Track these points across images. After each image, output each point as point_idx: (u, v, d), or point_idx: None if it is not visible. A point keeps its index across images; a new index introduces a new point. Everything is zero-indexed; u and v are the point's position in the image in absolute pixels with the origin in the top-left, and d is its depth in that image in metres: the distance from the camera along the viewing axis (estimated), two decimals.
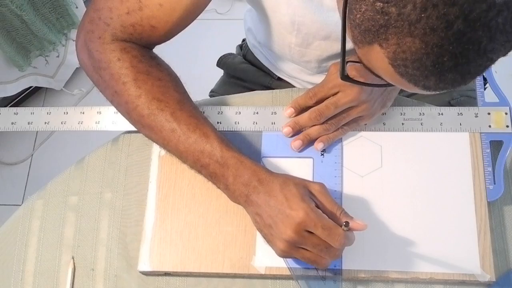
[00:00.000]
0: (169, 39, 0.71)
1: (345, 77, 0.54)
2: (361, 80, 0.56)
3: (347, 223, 0.60)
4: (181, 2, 0.65)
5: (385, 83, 0.53)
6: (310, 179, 0.72)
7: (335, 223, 0.61)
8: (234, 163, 0.65)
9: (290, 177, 0.65)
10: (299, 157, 0.73)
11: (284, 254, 0.63)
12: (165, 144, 0.68)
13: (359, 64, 0.53)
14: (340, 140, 0.74)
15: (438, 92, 0.48)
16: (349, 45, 0.52)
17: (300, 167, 0.72)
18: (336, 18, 0.69)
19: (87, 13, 0.70)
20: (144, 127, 0.69)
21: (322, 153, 0.73)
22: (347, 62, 0.54)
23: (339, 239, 0.60)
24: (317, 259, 0.62)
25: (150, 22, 0.67)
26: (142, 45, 0.70)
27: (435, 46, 0.42)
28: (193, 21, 0.70)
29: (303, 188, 0.63)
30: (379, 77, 0.52)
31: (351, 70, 0.55)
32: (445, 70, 0.44)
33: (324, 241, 0.61)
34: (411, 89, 0.49)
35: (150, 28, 0.67)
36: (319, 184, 0.65)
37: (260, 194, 0.63)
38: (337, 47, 0.74)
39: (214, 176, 0.66)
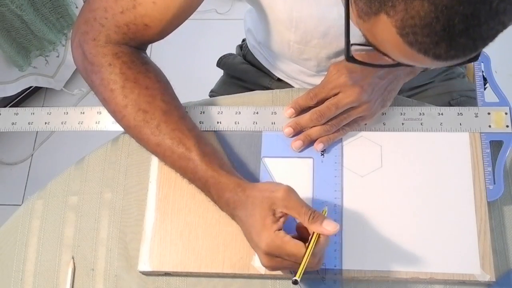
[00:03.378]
0: (162, 38, 0.71)
1: (350, 58, 0.52)
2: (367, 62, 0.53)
3: (295, 281, 0.56)
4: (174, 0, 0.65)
5: (392, 63, 0.51)
6: (310, 179, 0.72)
7: (298, 244, 0.58)
8: (213, 183, 0.65)
9: (259, 193, 0.62)
10: (299, 157, 0.73)
11: (270, 270, 0.64)
12: (153, 154, 0.70)
13: (363, 47, 0.51)
14: (340, 140, 0.74)
15: (449, 64, 0.46)
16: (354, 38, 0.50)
17: (300, 167, 0.72)
18: (334, 15, 0.69)
19: (82, 14, 0.69)
20: (132, 137, 0.70)
21: (322, 153, 0.73)
22: (351, 44, 0.52)
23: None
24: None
25: (144, 21, 0.67)
26: (135, 45, 0.70)
27: (445, 7, 0.41)
28: (186, 19, 0.70)
29: (268, 208, 0.60)
30: (385, 55, 0.50)
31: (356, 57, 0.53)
32: (456, 35, 0.42)
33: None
34: (421, 61, 0.47)
35: (144, 27, 0.67)
36: (282, 191, 0.61)
37: (237, 217, 0.64)
38: (336, 45, 0.74)
39: (202, 191, 0.67)
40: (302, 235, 0.62)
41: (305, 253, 0.58)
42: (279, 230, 0.60)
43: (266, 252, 0.60)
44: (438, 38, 0.43)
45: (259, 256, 0.62)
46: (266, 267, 0.63)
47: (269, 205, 0.61)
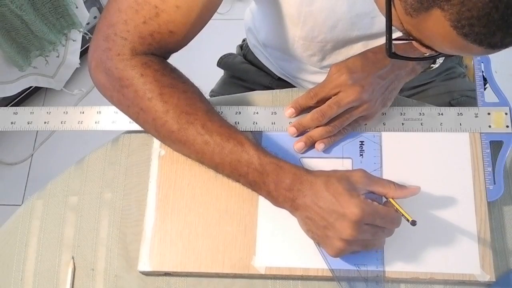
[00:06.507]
0: (186, 44, 0.70)
1: (392, 54, 0.51)
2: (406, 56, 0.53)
3: (413, 222, 0.60)
4: (197, 0, 0.64)
5: (431, 54, 0.51)
6: None
7: (387, 207, 0.62)
8: (273, 169, 0.64)
9: (331, 172, 0.64)
10: (337, 158, 0.73)
11: (342, 253, 0.63)
12: (199, 158, 0.68)
13: (403, 42, 0.51)
14: (379, 141, 0.74)
15: (499, 51, 0.46)
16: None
17: (339, 167, 0.71)
18: (344, 8, 0.69)
19: (99, 31, 0.68)
20: (174, 142, 0.68)
21: (361, 153, 0.73)
22: (394, 39, 0.51)
23: (397, 221, 0.63)
24: (376, 243, 0.64)
25: (168, 28, 0.66)
26: (160, 54, 0.69)
27: None
28: (207, 21, 0.69)
29: (347, 181, 0.63)
30: (429, 48, 0.49)
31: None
32: None
33: (382, 227, 0.62)
34: (473, 51, 0.46)
35: (169, 34, 0.66)
36: (359, 171, 0.65)
37: (307, 197, 0.63)
38: (343, 37, 0.74)
39: (254, 184, 0.66)
40: None
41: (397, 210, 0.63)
42: None
43: (358, 218, 0.59)
44: (495, 27, 0.42)
45: (344, 233, 0.60)
46: (342, 247, 0.61)
47: (350, 183, 0.63)
